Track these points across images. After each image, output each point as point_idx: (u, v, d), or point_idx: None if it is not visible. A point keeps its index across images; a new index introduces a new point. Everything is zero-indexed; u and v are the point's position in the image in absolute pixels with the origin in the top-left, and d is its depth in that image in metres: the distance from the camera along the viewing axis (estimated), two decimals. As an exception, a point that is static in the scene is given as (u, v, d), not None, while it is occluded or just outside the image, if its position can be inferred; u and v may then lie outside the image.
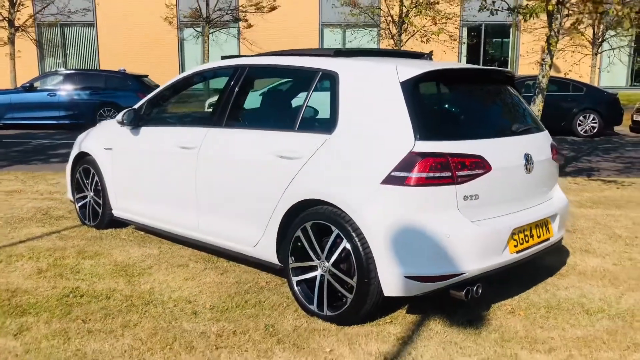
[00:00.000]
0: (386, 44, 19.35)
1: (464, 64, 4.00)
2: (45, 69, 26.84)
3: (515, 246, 3.49)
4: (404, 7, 17.49)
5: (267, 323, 3.51)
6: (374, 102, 3.45)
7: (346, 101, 3.53)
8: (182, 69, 27.00)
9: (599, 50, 19.50)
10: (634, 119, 16.46)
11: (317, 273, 3.54)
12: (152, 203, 4.72)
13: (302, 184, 3.56)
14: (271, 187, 3.74)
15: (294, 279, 3.68)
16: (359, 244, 3.29)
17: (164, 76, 18.53)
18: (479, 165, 3.30)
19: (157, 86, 16.01)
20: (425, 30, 18.32)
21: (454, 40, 20.73)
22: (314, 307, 3.56)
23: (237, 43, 25.44)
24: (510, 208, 3.55)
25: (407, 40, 18.45)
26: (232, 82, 4.22)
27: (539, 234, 3.71)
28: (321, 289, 3.52)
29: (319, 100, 3.89)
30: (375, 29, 22.75)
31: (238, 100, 4.20)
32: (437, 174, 3.18)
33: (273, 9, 19.17)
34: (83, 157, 5.47)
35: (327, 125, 3.58)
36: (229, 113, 4.17)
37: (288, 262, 3.70)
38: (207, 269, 4.43)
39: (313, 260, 3.56)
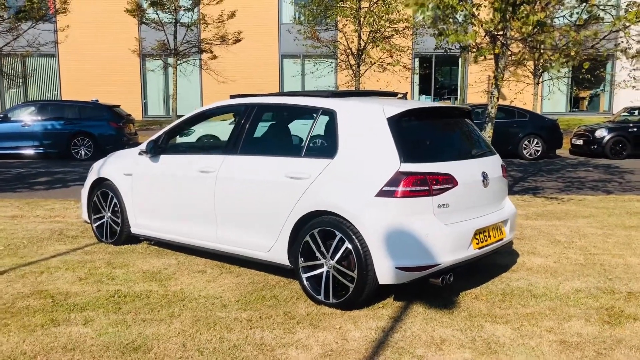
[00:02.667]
0: (345, 74, 20.55)
1: (432, 103, 5.01)
2: (5, 99, 27.01)
3: (477, 243, 4.49)
4: (362, 41, 18.77)
5: (285, 310, 4.38)
6: (366, 134, 4.42)
7: (344, 133, 4.49)
8: (144, 97, 27.69)
9: (540, 80, 21.21)
10: (573, 142, 18.12)
11: (324, 270, 4.44)
12: (172, 219, 5.53)
13: (310, 199, 4.47)
14: (283, 202, 4.64)
15: (304, 275, 4.56)
16: (358, 244, 4.22)
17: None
18: (449, 181, 4.30)
19: (129, 115, 16.71)
20: (381, 62, 19.68)
21: (408, 69, 22.14)
22: (321, 297, 4.45)
23: (200, 73, 26.32)
24: (472, 214, 4.56)
25: (365, 71, 19.70)
26: (245, 117, 5.13)
27: (494, 235, 4.73)
28: (327, 282, 4.42)
29: (318, 132, 4.83)
30: (333, 60, 24.05)
31: (250, 132, 5.10)
32: (418, 188, 4.16)
33: (237, 41, 20.13)
34: (101, 182, 6.23)
35: (329, 151, 4.52)
36: (242, 143, 5.07)
37: (298, 262, 4.59)
38: (223, 273, 5.27)
39: (320, 260, 4.46)
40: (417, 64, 27.54)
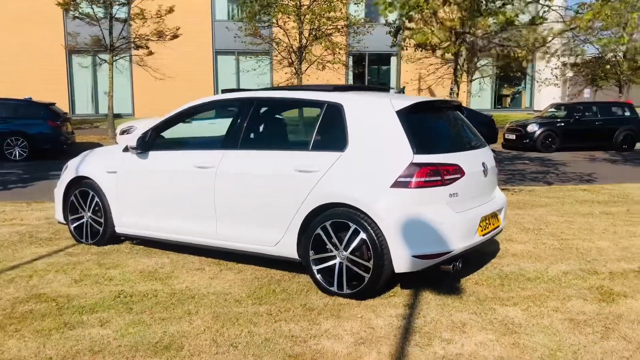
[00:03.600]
0: (285, 71, 20.54)
1: (432, 97, 5.16)
2: None
3: (482, 230, 4.70)
4: (304, 39, 18.86)
5: (301, 303, 4.40)
6: (376, 127, 4.51)
7: (353, 126, 4.55)
8: (71, 95, 26.56)
9: (472, 78, 22.11)
10: (506, 137, 19.03)
11: (336, 261, 4.49)
12: (165, 217, 5.39)
13: (322, 192, 4.50)
14: (292, 196, 4.64)
15: (315, 268, 4.60)
16: (374, 234, 4.30)
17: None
18: (458, 171, 4.46)
19: (66, 114, 16.00)
20: (322, 60, 19.87)
21: (344, 65, 22.40)
22: (334, 289, 4.50)
23: (131, 69, 25.52)
24: (476, 202, 4.76)
25: (307, 69, 19.80)
26: (243, 112, 5.09)
27: (493, 222, 4.95)
28: (340, 273, 4.48)
29: (325, 125, 4.84)
30: (273, 57, 24.07)
31: (250, 126, 5.07)
32: (431, 179, 4.30)
33: (175, 37, 19.67)
34: (79, 181, 5.98)
35: (338, 145, 4.57)
36: (242, 137, 5.03)
37: (309, 255, 4.62)
38: (222, 270, 5.20)
39: (332, 252, 4.51)
40: (351, 62, 27.95)
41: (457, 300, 4.48)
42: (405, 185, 4.27)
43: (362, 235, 4.35)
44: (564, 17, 8.10)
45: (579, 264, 5.47)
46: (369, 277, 4.36)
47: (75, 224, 6.07)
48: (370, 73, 30.10)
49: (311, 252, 4.61)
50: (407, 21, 8.12)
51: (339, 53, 19.54)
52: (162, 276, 5.03)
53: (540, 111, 23.17)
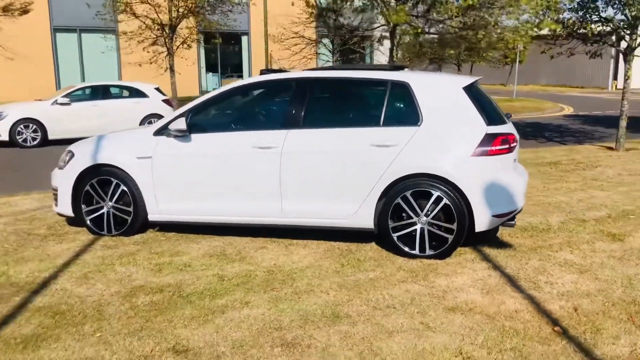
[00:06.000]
0: (152, 49, 19.61)
1: (474, 77, 5.73)
2: None
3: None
4: (175, 15, 18.23)
5: (397, 267, 4.77)
6: (448, 103, 5.00)
7: (424, 103, 4.99)
8: None
9: (337, 59, 23.17)
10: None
11: (417, 227, 4.93)
12: (217, 200, 5.31)
13: (403, 164, 4.88)
14: (369, 170, 4.96)
15: (395, 235, 4.99)
16: (456, 199, 4.82)
17: None
18: (515, 140, 5.14)
19: None
20: (191, 37, 19.43)
21: (220, 43, 22.12)
22: (416, 252, 4.95)
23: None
24: (519, 167, 5.50)
25: (177, 48, 19.18)
26: (303, 92, 5.22)
27: (523, 184, 5.74)
28: (422, 237, 4.93)
29: (390, 103, 5.16)
30: (113, 35, 22.90)
31: (311, 106, 5.23)
32: (503, 147, 4.92)
33: (25, 12, 17.75)
34: (96, 170, 5.58)
35: (411, 120, 4.98)
36: (304, 117, 5.17)
37: (387, 224, 4.99)
38: (287, 247, 5.32)
39: (412, 218, 4.94)
40: (202, 40, 27.43)
41: (517, 252, 5.19)
42: (484, 153, 4.84)
43: (445, 200, 4.83)
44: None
45: (565, 216, 6.50)
46: (453, 238, 4.88)
47: (92, 216, 5.66)
48: (227, 52, 29.75)
49: (390, 221, 4.99)
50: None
51: (210, 30, 19.26)
52: (236, 258, 5.02)
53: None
